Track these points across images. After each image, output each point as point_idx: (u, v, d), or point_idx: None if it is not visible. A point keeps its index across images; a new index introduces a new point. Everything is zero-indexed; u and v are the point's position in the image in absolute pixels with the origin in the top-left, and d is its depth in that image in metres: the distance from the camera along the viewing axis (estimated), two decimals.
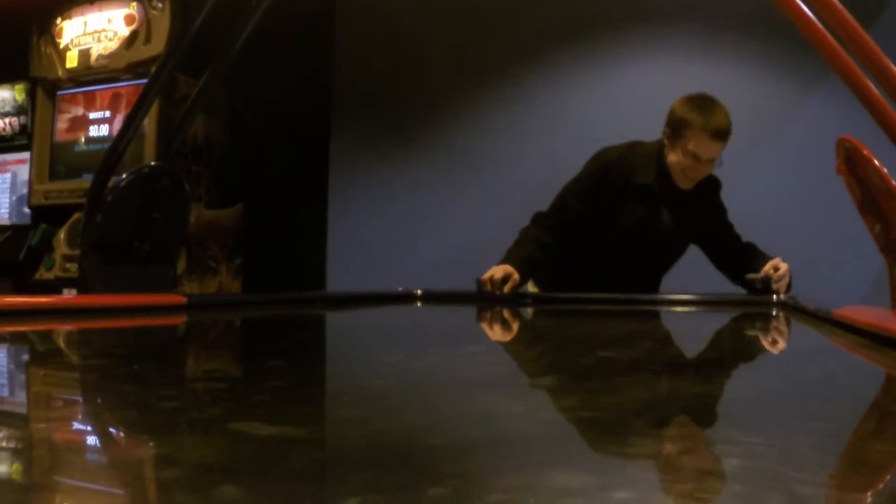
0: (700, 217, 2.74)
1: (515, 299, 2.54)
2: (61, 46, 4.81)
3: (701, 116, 2.54)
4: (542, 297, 2.73)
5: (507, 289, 2.53)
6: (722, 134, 2.55)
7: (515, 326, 1.98)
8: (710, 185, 2.74)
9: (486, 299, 2.52)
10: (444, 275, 4.19)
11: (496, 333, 1.80)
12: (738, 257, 2.74)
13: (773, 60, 3.99)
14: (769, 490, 0.39)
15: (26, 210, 4.97)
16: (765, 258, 2.63)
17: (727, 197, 4.09)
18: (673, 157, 2.59)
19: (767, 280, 2.53)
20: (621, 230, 2.64)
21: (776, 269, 2.55)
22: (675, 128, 2.58)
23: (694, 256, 3.65)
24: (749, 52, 4.06)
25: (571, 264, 2.77)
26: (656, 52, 4.09)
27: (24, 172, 5.05)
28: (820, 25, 1.38)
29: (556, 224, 2.68)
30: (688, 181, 2.62)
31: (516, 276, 2.55)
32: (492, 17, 4.51)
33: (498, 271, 2.56)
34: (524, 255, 2.62)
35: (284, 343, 1.42)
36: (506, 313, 2.26)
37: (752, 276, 2.57)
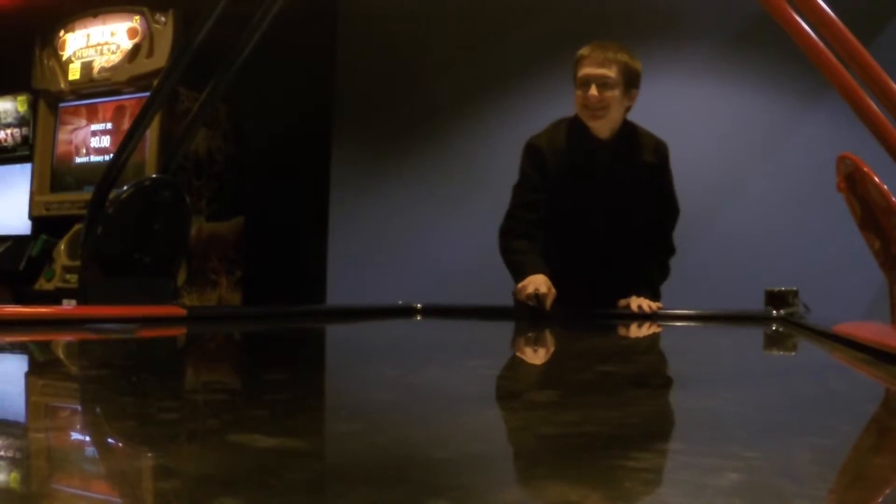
0: (637, 171, 2.64)
1: (557, 316, 2.36)
2: (64, 59, 4.83)
3: (587, 47, 2.58)
4: (586, 313, 2.52)
5: (549, 303, 2.38)
6: (606, 57, 2.54)
7: (518, 340, 1.98)
8: (644, 144, 2.67)
9: (528, 317, 2.35)
10: (445, 287, 4.20)
11: (497, 347, 1.80)
12: (645, 250, 2.65)
13: (773, 77, 4.01)
14: None
15: (27, 220, 4.98)
16: (641, 287, 2.56)
17: (727, 213, 4.11)
18: (575, 99, 2.60)
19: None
20: (571, 206, 2.59)
21: (627, 306, 2.51)
22: (573, 72, 2.61)
23: (693, 270, 3.65)
24: (749, 68, 4.08)
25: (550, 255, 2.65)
26: (659, 68, 4.10)
27: (25, 183, 5.05)
28: (820, 42, 1.38)
29: (532, 226, 2.58)
30: (590, 115, 2.56)
31: (553, 290, 2.41)
32: (494, 28, 4.53)
33: (542, 285, 2.38)
34: (542, 266, 2.47)
35: (284, 356, 1.42)
36: (510, 328, 2.26)
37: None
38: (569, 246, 2.58)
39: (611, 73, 2.54)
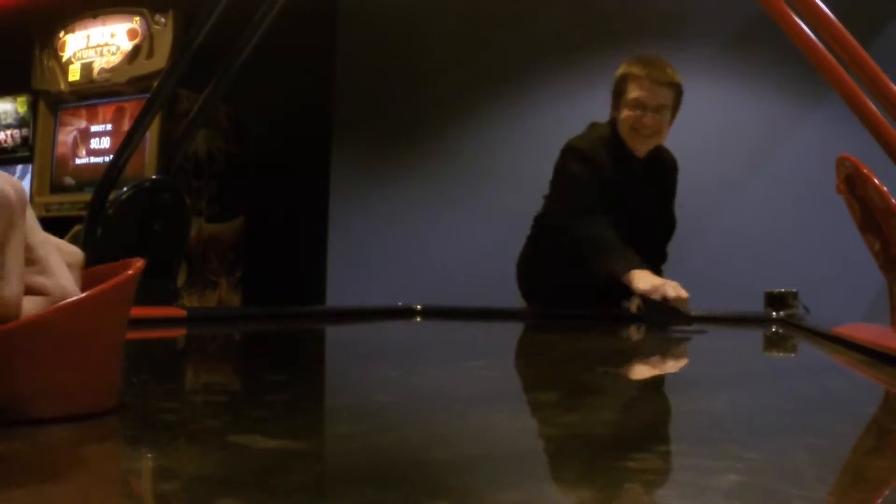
0: (663, 186, 2.66)
1: (685, 318, 2.22)
2: (64, 60, 4.83)
3: (640, 66, 2.49)
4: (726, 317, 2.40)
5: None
6: (664, 79, 2.46)
7: (519, 342, 1.98)
8: (668, 163, 2.67)
9: (670, 317, 2.21)
10: (445, 289, 4.20)
11: (498, 349, 1.80)
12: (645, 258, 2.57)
13: (773, 79, 4.01)
14: None
15: None
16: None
17: (726, 214, 4.11)
18: (621, 118, 2.51)
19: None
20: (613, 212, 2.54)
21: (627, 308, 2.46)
22: (617, 87, 2.53)
23: (693, 272, 3.66)
24: (748, 69, 4.08)
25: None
26: None
27: (24, 184, 5.06)
28: (819, 44, 1.38)
29: (604, 222, 2.44)
30: (639, 139, 2.51)
31: None
32: (494, 29, 4.54)
33: (677, 287, 2.27)
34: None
35: (284, 357, 1.42)
36: (512, 328, 2.26)
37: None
38: None
39: (668, 99, 2.48)
